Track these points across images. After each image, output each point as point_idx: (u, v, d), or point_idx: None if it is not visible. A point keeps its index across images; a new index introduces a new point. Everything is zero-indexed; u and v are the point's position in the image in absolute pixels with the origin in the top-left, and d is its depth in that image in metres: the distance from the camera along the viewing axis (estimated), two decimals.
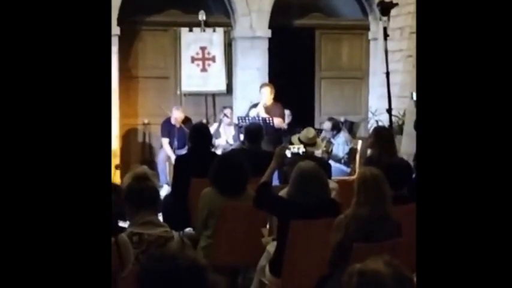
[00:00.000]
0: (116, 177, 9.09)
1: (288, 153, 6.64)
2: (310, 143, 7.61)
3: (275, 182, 5.97)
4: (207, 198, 4.75)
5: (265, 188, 4.56)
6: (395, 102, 8.02)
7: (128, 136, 10.55)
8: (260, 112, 8.92)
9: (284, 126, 9.22)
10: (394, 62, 8.51)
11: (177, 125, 9.56)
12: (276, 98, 9.18)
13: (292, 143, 8.31)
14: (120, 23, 9.92)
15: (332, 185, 5.11)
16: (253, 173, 4.84)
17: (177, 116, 9.63)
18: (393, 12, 7.71)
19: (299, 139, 7.96)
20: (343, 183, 5.84)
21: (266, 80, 10.14)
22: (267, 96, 9.03)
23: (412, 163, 6.35)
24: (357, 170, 8.15)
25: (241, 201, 4.70)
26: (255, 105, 9.15)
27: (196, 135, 6.34)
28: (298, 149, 7.85)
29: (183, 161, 6.28)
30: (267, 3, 10.50)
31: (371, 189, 3.93)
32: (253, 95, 9.61)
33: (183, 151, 8.56)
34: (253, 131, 6.71)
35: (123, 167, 9.51)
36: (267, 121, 8.69)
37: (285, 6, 10.74)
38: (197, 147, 6.21)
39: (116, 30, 9.82)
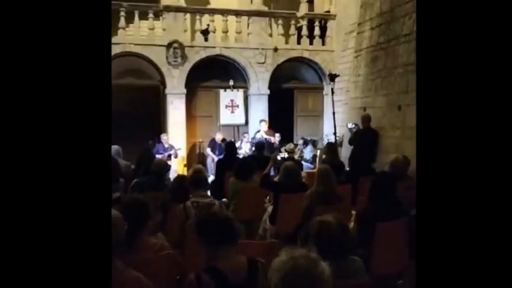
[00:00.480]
0: (184, 171, 9.14)
1: (279, 157, 6.66)
2: (291, 152, 7.65)
3: (272, 173, 5.95)
4: (232, 183, 4.70)
5: (266, 176, 4.55)
6: (338, 129, 8.02)
7: (191, 148, 10.51)
8: (262, 135, 9.13)
9: (276, 142, 9.27)
10: (337, 107, 8.47)
11: (218, 142, 9.52)
12: (270, 127, 9.42)
13: (281, 152, 8.38)
14: (186, 86, 10.05)
15: (303, 174, 5.09)
16: (259, 168, 4.80)
17: (218, 137, 9.62)
18: (337, 79, 7.78)
19: (285, 149, 7.98)
20: (309, 174, 5.83)
21: (267, 118, 10.14)
22: (264, 127, 9.35)
23: (346, 162, 6.38)
24: (317, 166, 8.13)
25: (250, 184, 4.64)
26: (258, 131, 9.45)
27: (228, 148, 6.34)
28: (284, 155, 7.88)
29: (220, 162, 6.23)
30: (267, 75, 10.52)
31: (324, 177, 3.93)
32: (259, 126, 9.69)
33: (221, 157, 8.56)
34: (259, 145, 6.71)
35: (188, 165, 9.55)
36: (267, 140, 8.89)
37: (277, 76, 10.72)
38: (228, 154, 6.17)
39: (184, 90, 10.01)
